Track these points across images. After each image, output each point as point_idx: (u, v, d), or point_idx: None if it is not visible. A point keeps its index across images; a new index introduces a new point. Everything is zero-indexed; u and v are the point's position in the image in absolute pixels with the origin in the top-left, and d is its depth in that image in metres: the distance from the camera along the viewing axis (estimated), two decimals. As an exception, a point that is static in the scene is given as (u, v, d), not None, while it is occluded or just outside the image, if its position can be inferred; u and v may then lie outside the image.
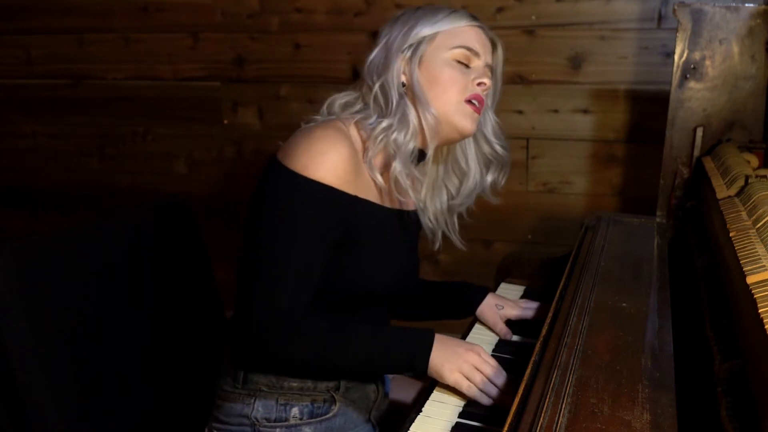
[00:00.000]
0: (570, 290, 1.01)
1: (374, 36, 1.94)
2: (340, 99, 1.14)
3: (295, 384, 1.06)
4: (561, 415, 0.67)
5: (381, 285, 1.12)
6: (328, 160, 0.98)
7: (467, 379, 0.97)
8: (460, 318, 1.29)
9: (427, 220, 1.22)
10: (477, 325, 1.25)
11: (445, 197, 1.23)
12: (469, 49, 1.08)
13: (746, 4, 1.34)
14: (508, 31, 1.86)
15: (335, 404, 1.08)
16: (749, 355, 0.67)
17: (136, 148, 2.31)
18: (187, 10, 2.13)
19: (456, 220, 1.25)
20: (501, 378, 0.98)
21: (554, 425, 0.65)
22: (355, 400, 1.12)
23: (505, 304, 1.25)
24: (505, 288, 1.45)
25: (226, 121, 2.19)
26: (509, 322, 1.24)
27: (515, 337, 1.21)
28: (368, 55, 1.13)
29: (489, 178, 1.21)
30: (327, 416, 1.08)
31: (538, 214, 1.97)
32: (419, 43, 1.07)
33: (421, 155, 1.12)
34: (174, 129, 2.26)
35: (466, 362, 0.98)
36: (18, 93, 2.38)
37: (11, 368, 1.07)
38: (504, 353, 1.14)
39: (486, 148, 1.19)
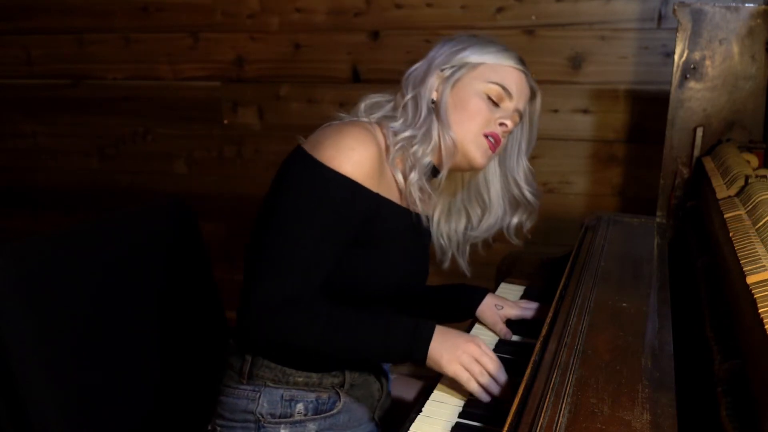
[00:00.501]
0: (570, 290, 1.01)
1: (374, 36, 1.96)
2: (370, 99, 1.14)
3: (300, 379, 1.06)
4: (561, 415, 0.67)
5: (389, 284, 1.12)
6: (357, 155, 0.99)
7: (467, 370, 0.97)
8: (461, 320, 1.28)
9: (440, 238, 1.24)
10: (477, 326, 1.25)
11: (463, 223, 1.24)
12: (504, 88, 1.09)
13: (746, 4, 1.34)
14: (508, 31, 1.86)
15: (339, 400, 1.08)
16: (749, 355, 0.67)
17: (136, 148, 2.31)
18: (187, 10, 2.13)
19: (468, 248, 1.26)
20: (501, 374, 0.98)
21: (554, 425, 0.65)
22: (359, 397, 1.12)
23: (504, 304, 1.25)
24: (505, 288, 1.45)
25: (226, 121, 2.19)
26: (509, 323, 1.24)
27: (515, 337, 1.21)
28: (412, 66, 1.14)
29: (515, 219, 1.23)
30: (332, 412, 1.08)
31: (538, 214, 1.97)
32: (461, 66, 1.09)
33: (435, 171, 1.13)
34: (174, 129, 2.26)
35: (465, 353, 0.98)
36: (18, 93, 2.38)
37: (11, 368, 1.07)
38: (504, 353, 1.14)
39: (515, 191, 1.21)
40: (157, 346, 1.35)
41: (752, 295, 0.66)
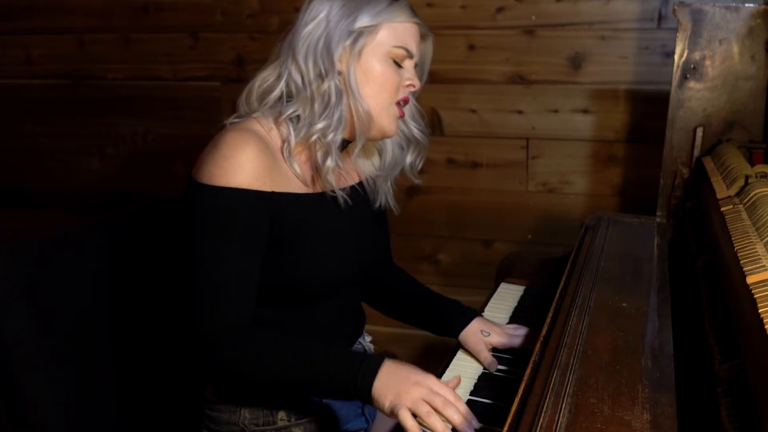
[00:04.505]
0: (570, 290, 1.01)
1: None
2: (258, 86, 1.07)
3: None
4: (561, 415, 0.67)
5: (336, 273, 1.07)
6: (234, 162, 0.95)
7: (425, 404, 0.87)
8: (440, 335, 1.22)
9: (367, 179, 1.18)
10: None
11: (377, 158, 1.18)
12: (407, 50, 1.04)
13: (746, 4, 1.34)
14: (508, 31, 1.86)
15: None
16: (749, 355, 0.67)
17: (136, 148, 2.31)
18: (187, 10, 2.13)
19: (389, 186, 1.19)
20: (457, 416, 0.87)
21: (554, 425, 0.65)
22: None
23: (491, 330, 1.16)
24: (505, 288, 1.45)
25: (226, 122, 2.19)
26: (496, 350, 1.16)
27: (501, 366, 1.13)
28: (297, 26, 1.05)
29: (408, 158, 1.18)
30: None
31: (538, 214, 1.97)
32: (360, 34, 1.01)
33: (343, 143, 1.09)
34: (174, 129, 2.26)
35: (411, 394, 0.87)
36: (18, 93, 2.38)
37: (11, 368, 1.07)
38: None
39: (404, 129, 1.15)
40: (157, 346, 1.35)
41: (752, 295, 0.66)
